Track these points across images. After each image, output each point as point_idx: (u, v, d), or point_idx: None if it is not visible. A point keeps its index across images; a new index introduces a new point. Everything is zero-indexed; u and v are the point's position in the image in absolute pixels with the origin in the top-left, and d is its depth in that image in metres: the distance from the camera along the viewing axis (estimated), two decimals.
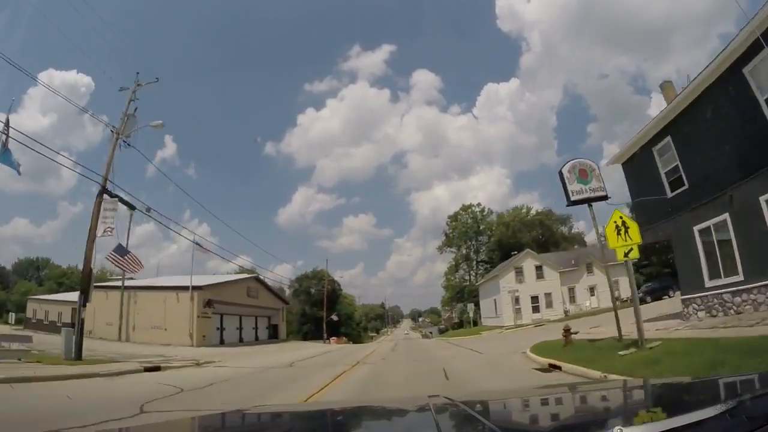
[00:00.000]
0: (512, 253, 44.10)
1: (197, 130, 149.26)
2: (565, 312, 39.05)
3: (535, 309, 37.51)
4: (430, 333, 66.64)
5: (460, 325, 56.73)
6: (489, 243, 61.51)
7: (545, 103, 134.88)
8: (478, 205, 66.94)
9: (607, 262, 15.73)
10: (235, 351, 30.84)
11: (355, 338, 77.56)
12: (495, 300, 40.38)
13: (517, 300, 36.44)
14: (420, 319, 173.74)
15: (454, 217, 67.15)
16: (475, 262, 63.36)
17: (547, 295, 38.42)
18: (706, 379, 2.28)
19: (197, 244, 38.14)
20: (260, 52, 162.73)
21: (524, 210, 63.75)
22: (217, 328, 43.18)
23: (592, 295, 43.06)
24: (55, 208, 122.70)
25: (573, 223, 64.58)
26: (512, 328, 33.71)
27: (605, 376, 7.05)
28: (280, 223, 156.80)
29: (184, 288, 37.95)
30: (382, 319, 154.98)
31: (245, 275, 50.36)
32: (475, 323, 49.18)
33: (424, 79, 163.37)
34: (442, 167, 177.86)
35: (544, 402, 2.08)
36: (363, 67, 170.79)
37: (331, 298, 79.34)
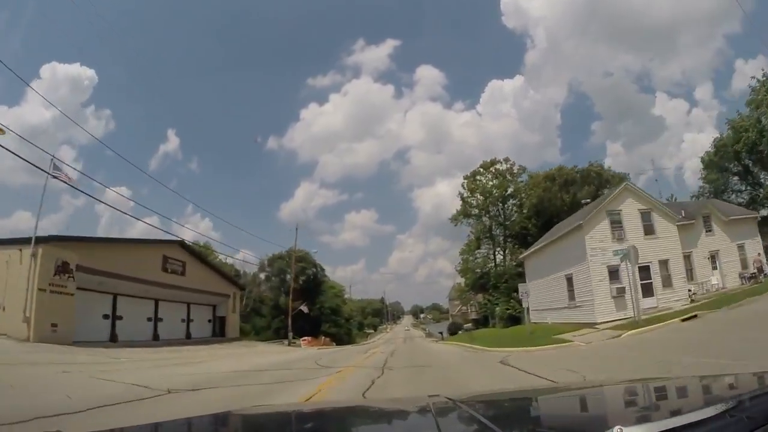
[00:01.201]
0: (584, 207, 26.63)
1: (199, 125, 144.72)
2: (690, 295, 21.99)
3: (646, 290, 20.30)
4: (440, 333, 49.31)
5: (482, 322, 39.83)
6: (522, 210, 44.34)
7: (549, 101, 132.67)
8: (506, 160, 49.89)
9: None
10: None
11: (342, 338, 60.68)
12: (569, 278, 23.16)
13: (614, 274, 19.54)
14: (422, 316, 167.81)
15: (471, 178, 50.04)
16: (501, 238, 46.13)
17: (663, 263, 21.22)
18: (706, 379, 2.29)
19: (54, 169, 21.40)
20: (263, 46, 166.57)
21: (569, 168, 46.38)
22: (106, 316, 26.72)
23: (714, 267, 26.05)
24: None
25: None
26: (624, 326, 16.53)
27: None
28: (283, 218, 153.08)
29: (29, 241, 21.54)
30: (381, 314, 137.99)
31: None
32: (516, 319, 32.29)
33: (428, 74, 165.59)
34: (445, 164, 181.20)
35: (545, 402, 2.05)
36: (367, 61, 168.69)
37: (311, 286, 62.37)
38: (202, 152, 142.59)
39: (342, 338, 59.93)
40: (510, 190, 47.67)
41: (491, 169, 49.89)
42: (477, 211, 48.03)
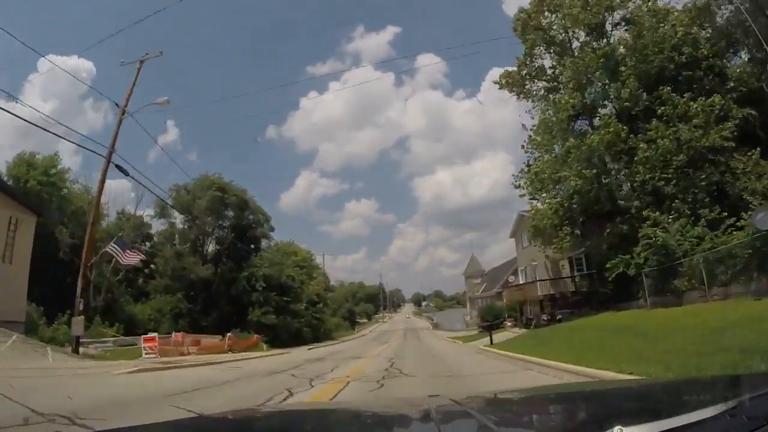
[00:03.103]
0: None
1: (198, 114, 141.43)
2: None
3: None
4: (487, 325, 22.67)
5: (573, 302, 14.20)
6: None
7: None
8: None
9: None
10: None
11: (301, 333, 35.48)
12: None
13: None
14: (424, 304, 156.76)
15: (532, 13, 24.01)
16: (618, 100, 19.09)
17: None
18: (706, 379, 2.31)
19: None
20: (261, 32, 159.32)
21: None
22: None
23: None
24: None
25: None
26: None
27: None
28: (283, 207, 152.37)
29: None
30: (376, 300, 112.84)
31: None
32: None
33: (429, 62, 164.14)
34: (445, 152, 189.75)
35: (545, 402, 2.02)
36: (367, 48, 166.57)
37: (246, 242, 37.05)
38: (201, 141, 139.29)
39: (300, 333, 34.76)
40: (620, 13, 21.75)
41: None
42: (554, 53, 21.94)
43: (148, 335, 18.04)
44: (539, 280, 24.67)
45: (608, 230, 17.21)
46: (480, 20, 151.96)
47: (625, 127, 17.47)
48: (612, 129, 17.12)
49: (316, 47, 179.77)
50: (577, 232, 18.22)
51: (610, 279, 16.51)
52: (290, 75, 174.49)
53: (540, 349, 11.43)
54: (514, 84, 23.56)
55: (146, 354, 17.34)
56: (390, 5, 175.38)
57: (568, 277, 24.50)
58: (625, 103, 18.05)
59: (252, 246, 35.16)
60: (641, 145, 16.45)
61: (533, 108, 24.99)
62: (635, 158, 16.60)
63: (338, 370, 12.01)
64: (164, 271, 33.22)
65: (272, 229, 38.13)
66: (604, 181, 17.96)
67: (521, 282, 30.79)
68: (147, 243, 39.81)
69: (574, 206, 17.98)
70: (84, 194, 30.46)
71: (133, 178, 17.23)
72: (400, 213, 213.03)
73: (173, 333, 20.37)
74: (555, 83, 24.34)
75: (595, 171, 17.47)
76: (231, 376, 11.50)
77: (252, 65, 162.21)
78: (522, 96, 25.75)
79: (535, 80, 24.67)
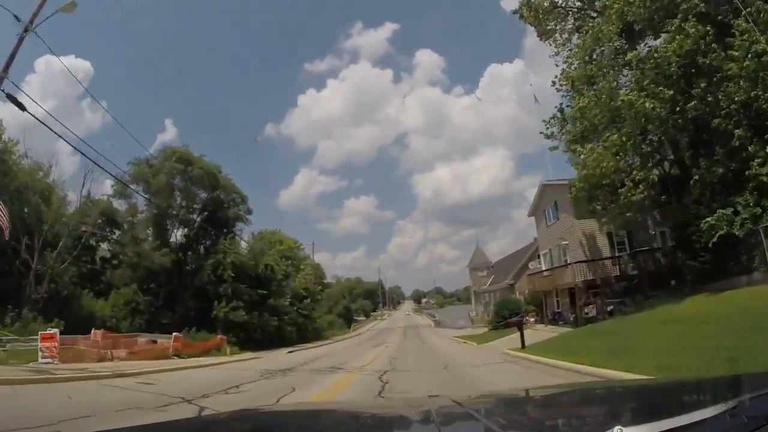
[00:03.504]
0: None
1: (196, 112, 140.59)
2: None
3: None
4: (502, 315, 17.13)
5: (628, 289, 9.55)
6: None
7: (550, 84, 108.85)
8: None
9: None
10: None
11: (282, 333, 30.43)
12: None
13: None
14: (424, 300, 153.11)
15: None
16: None
17: None
18: (706, 379, 2.30)
19: None
20: (259, 30, 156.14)
21: None
22: None
23: None
24: None
25: None
26: None
27: None
28: (282, 205, 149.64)
29: None
30: (374, 297, 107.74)
31: None
32: None
33: (427, 59, 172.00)
34: (444, 149, 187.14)
35: (545, 402, 2.02)
36: (365, 45, 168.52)
37: (216, 224, 31.83)
38: (198, 139, 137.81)
39: (282, 333, 29.69)
40: None
41: None
42: None
43: (47, 332, 12.97)
44: (576, 262, 19.40)
45: (696, 176, 12.13)
46: (479, 17, 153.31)
47: (710, 29, 12.35)
48: (693, 32, 12.02)
49: (315, 44, 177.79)
50: (654, 176, 13.07)
51: (709, 245, 11.40)
52: (288, 72, 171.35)
53: (642, 359, 6.29)
54: (536, 15, 18.50)
55: (42, 358, 12.41)
56: (389, 2, 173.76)
57: (609, 258, 19.40)
58: (701, 5, 12.85)
59: (225, 230, 29.99)
60: (736, 54, 11.29)
61: (556, 53, 20.45)
62: (729, 72, 11.45)
63: (288, 400, 6.93)
64: (128, 260, 28.20)
65: (250, 212, 33.01)
66: (685, 106, 12.78)
67: (544, 268, 25.57)
68: (116, 231, 34.94)
69: (652, 139, 12.82)
70: (35, 170, 25.41)
71: (32, 115, 12.11)
72: (400, 210, 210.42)
73: (93, 331, 15.28)
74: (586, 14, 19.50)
75: (671, 93, 12.39)
76: (88, 407, 6.38)
77: (250, 63, 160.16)
78: (544, 37, 21.17)
79: (562, 10, 19.74)
